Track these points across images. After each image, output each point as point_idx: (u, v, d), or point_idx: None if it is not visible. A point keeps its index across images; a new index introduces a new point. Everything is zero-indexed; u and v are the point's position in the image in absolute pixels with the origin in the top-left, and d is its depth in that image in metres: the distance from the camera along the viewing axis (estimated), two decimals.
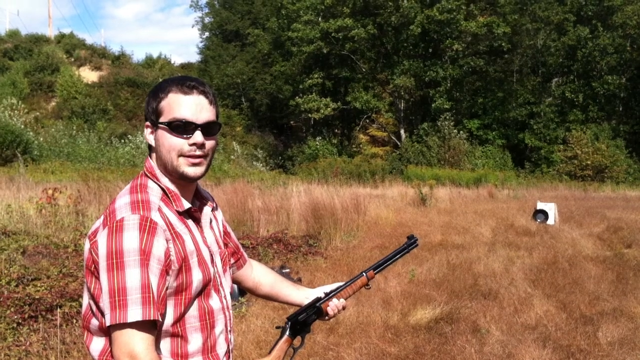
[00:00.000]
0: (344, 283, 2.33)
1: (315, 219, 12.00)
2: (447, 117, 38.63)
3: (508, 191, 26.26)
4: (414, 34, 40.64)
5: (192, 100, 1.81)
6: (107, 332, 1.70)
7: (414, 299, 7.20)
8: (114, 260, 1.63)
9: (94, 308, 1.74)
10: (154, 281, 1.66)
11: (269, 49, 50.00)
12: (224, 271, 2.00)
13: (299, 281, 8.05)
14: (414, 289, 7.73)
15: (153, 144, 1.86)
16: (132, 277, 1.62)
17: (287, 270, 8.06)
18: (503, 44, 40.09)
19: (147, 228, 1.67)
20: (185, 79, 1.83)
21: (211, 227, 1.98)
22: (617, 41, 40.58)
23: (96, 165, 26.96)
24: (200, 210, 1.95)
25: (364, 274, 2.34)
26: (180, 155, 1.80)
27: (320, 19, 43.11)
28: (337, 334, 5.85)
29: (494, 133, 42.13)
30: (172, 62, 67.80)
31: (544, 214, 15.12)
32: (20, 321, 5.35)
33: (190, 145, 1.80)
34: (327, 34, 41.54)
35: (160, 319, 1.67)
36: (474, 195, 23.90)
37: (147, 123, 1.87)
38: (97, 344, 1.77)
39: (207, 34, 62.91)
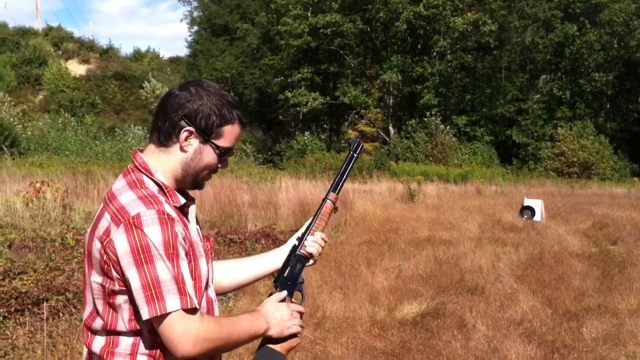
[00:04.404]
0: (311, 218, 2.22)
1: (303, 213, 12.02)
2: (434, 114, 38.70)
3: (495, 187, 26.36)
4: (401, 30, 40.67)
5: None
6: (109, 331, 1.75)
7: (401, 294, 7.24)
8: (141, 256, 1.64)
9: (100, 308, 1.76)
10: (185, 270, 1.70)
11: (258, 43, 49.87)
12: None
13: None
14: (401, 284, 7.77)
15: (187, 150, 1.85)
16: (163, 269, 1.65)
17: None
18: (491, 41, 40.19)
19: (166, 221, 1.69)
20: (240, 108, 1.91)
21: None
22: (605, 38, 40.77)
23: (84, 159, 26.87)
24: (188, 206, 1.97)
25: (327, 199, 2.21)
26: (211, 172, 1.92)
27: (309, 13, 43.02)
28: (324, 328, 5.87)
29: (481, 129, 42.22)
30: (161, 56, 67.62)
31: (531, 210, 15.18)
32: (6, 315, 5.34)
33: (220, 167, 1.93)
34: (316, 28, 41.47)
35: (198, 306, 1.70)
36: (461, 191, 23.98)
37: (191, 129, 1.82)
38: (99, 341, 1.78)
39: (195, 28, 62.72)
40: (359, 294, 7.11)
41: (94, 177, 14.66)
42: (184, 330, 1.64)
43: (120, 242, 1.66)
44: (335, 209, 2.22)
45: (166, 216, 1.69)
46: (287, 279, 2.09)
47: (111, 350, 1.75)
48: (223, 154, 1.87)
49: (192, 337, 1.65)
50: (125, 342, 1.74)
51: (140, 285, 1.64)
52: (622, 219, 15.03)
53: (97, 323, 1.77)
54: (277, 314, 1.95)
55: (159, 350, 1.75)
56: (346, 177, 2.24)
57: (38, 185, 10.99)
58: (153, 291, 1.63)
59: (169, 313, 1.63)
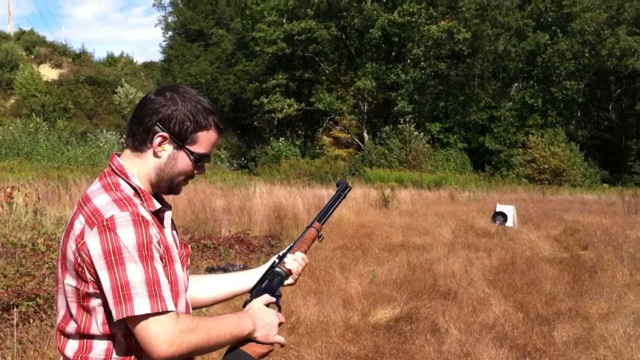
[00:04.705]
0: (294, 241, 2.26)
1: (277, 219, 12.01)
2: (408, 120, 38.93)
3: (468, 193, 26.53)
4: (376, 37, 40.90)
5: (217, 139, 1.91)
6: (83, 335, 1.72)
7: (375, 299, 7.26)
8: (113, 258, 1.62)
9: (74, 311, 1.74)
10: (160, 272, 1.68)
11: (233, 49, 49.76)
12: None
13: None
14: (374, 289, 7.78)
15: (161, 156, 1.84)
16: (134, 271, 1.62)
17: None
18: (464, 49, 40.56)
19: (140, 223, 1.67)
20: (217, 113, 1.88)
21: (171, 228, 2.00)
22: (576, 47, 41.36)
23: (55, 164, 26.56)
24: (163, 211, 1.96)
25: (311, 227, 2.27)
26: (187, 177, 1.90)
27: (284, 20, 43.07)
28: (298, 333, 5.87)
29: (455, 136, 42.61)
30: (135, 61, 67.18)
31: (503, 216, 15.32)
32: None
33: (196, 173, 1.92)
34: (291, 35, 41.52)
35: (172, 309, 1.66)
36: (435, 197, 24.08)
37: (165, 134, 1.81)
38: (72, 346, 1.76)
39: (170, 33, 62.39)
40: (332, 299, 7.12)
41: (66, 182, 14.51)
42: (158, 332, 1.62)
43: (94, 245, 1.64)
44: (319, 236, 2.28)
45: (140, 218, 1.68)
46: (265, 291, 2.07)
47: (85, 356, 1.73)
48: (198, 160, 1.86)
49: (167, 339, 1.62)
50: (99, 347, 1.72)
51: (110, 287, 1.62)
52: (592, 225, 15.22)
53: (71, 327, 1.75)
54: (267, 318, 1.92)
55: (133, 356, 1.73)
56: (332, 211, 2.31)
57: (9, 190, 10.87)
58: (121, 293, 1.61)
59: (140, 315, 1.61)
